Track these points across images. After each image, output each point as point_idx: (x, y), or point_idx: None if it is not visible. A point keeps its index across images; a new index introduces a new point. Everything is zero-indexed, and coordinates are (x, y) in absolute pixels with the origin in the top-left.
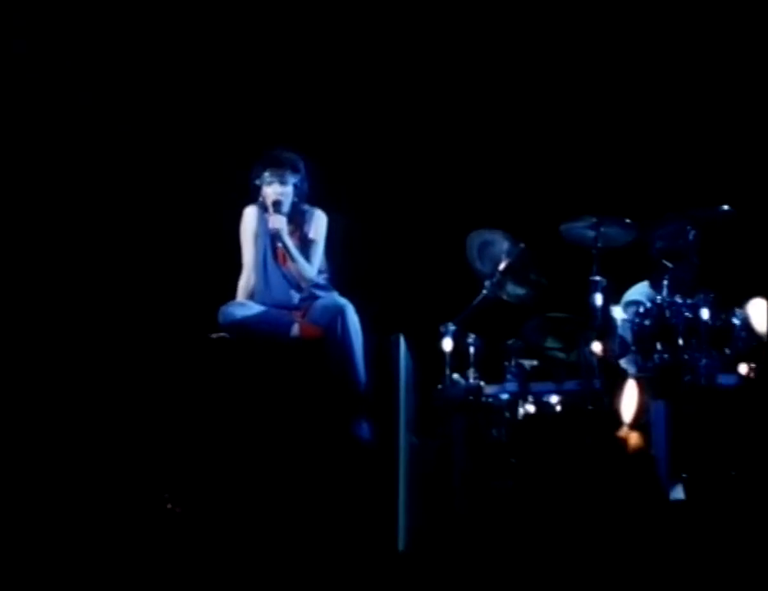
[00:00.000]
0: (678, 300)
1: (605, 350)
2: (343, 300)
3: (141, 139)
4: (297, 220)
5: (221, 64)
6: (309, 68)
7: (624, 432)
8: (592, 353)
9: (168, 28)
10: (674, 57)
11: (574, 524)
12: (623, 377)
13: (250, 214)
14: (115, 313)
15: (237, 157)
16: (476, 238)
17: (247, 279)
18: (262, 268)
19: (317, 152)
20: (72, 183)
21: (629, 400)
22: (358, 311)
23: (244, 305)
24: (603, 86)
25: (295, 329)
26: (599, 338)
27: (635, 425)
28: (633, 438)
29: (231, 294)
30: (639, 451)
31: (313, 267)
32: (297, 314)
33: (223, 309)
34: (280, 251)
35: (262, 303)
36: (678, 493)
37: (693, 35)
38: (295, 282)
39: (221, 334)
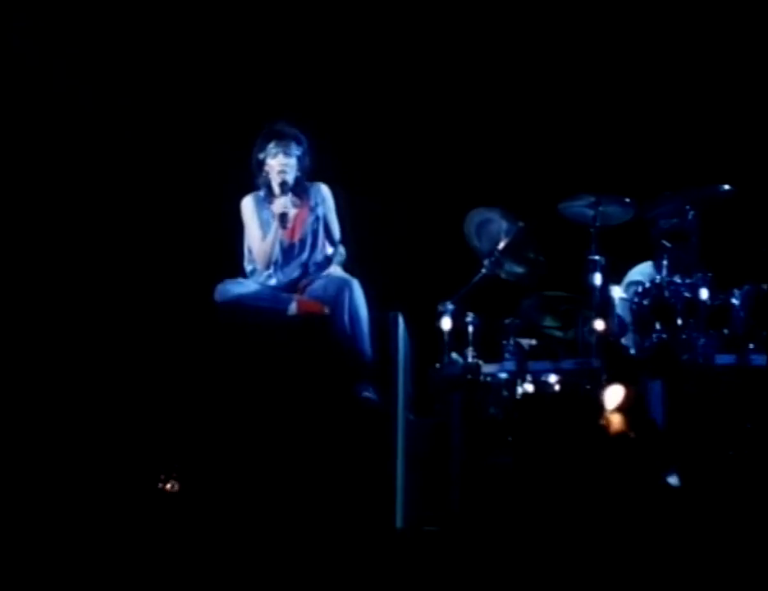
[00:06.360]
0: (678, 279)
1: (606, 328)
2: (348, 275)
3: (138, 123)
4: (303, 196)
5: (218, 43)
6: (307, 47)
7: (606, 416)
8: (593, 330)
9: (164, 14)
10: (671, 37)
11: (570, 501)
12: (623, 354)
13: (247, 203)
14: (114, 296)
15: (234, 138)
16: (475, 216)
17: (260, 251)
18: (274, 247)
19: (317, 129)
20: (70, 167)
21: (614, 394)
22: None
23: (240, 283)
24: (601, 64)
25: (293, 307)
26: (600, 316)
27: (618, 410)
28: (615, 422)
29: (227, 272)
30: (621, 434)
31: (336, 244)
32: (298, 289)
33: (220, 287)
34: (289, 229)
35: (278, 280)
36: (673, 480)
37: (690, 16)
38: (305, 258)
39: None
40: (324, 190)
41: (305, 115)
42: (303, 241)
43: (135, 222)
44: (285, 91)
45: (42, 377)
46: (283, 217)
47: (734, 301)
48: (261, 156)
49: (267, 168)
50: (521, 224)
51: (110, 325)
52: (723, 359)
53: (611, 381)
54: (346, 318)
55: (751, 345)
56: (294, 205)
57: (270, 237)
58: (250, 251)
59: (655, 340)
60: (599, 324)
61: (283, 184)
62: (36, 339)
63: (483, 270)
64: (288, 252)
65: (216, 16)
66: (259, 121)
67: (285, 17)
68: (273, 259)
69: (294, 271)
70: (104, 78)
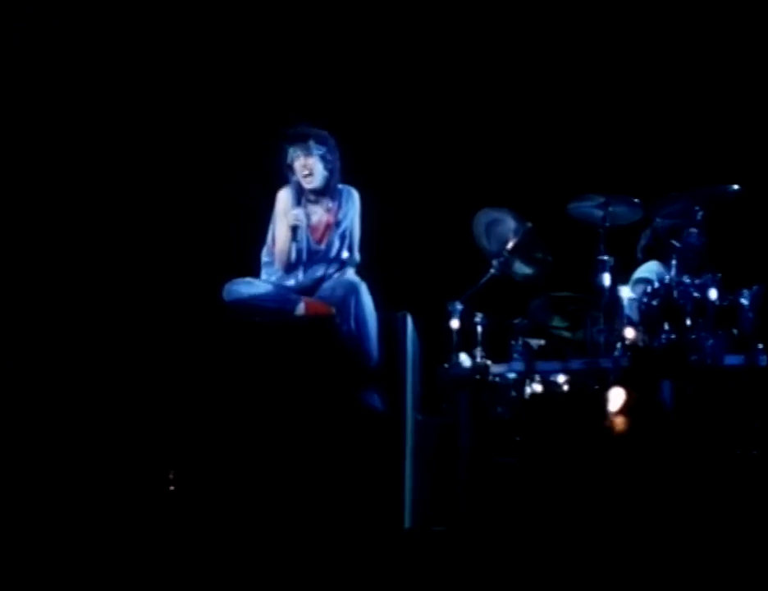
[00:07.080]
0: (686, 279)
1: (637, 335)
2: (356, 278)
3: (144, 123)
4: (334, 198)
5: (220, 43)
6: (316, 49)
7: (609, 418)
8: (622, 337)
9: (165, 12)
10: (679, 37)
11: (577, 501)
12: (652, 359)
13: (283, 196)
14: (121, 295)
15: (244, 138)
16: (483, 217)
17: (280, 251)
18: (299, 246)
19: (323, 129)
20: (73, 167)
21: (616, 397)
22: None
23: (249, 283)
24: (609, 64)
25: (301, 307)
26: (629, 324)
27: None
28: (618, 424)
29: (235, 272)
30: (625, 435)
31: (353, 250)
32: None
33: (227, 286)
34: (318, 230)
35: (297, 281)
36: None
37: (698, 16)
38: (328, 260)
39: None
40: (355, 196)
41: (312, 116)
42: (329, 247)
43: (142, 221)
44: (292, 92)
45: (49, 376)
46: (295, 230)
47: (743, 301)
48: (288, 161)
49: (295, 171)
50: (529, 224)
51: (117, 324)
52: (731, 359)
53: (631, 383)
54: (352, 320)
55: (759, 346)
56: (326, 209)
57: (286, 245)
58: (273, 242)
59: (663, 340)
60: (629, 332)
61: (309, 190)
62: (42, 337)
63: (492, 270)
64: (314, 255)
65: (218, 13)
66: (265, 118)
67: (289, 18)
68: (291, 263)
69: (317, 271)
70: (106, 78)
